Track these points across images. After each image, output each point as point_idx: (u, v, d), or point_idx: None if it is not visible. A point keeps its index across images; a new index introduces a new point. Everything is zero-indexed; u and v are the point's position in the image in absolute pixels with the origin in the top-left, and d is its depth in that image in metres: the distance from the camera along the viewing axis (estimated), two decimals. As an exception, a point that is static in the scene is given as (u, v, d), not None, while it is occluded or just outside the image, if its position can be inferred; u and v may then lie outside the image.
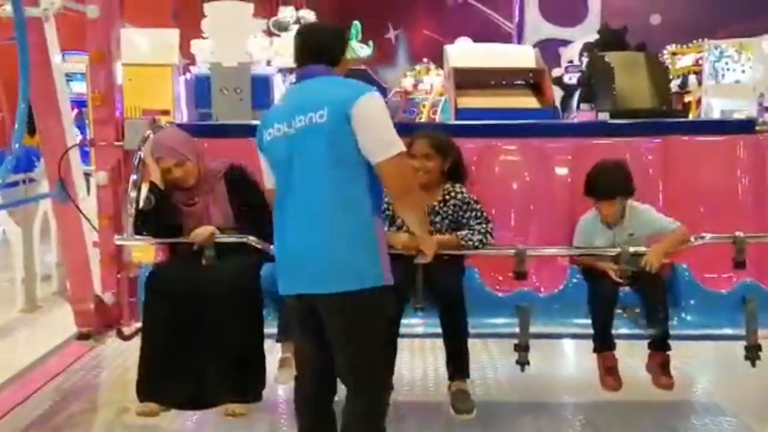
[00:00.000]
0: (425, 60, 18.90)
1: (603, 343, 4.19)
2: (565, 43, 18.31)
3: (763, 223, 4.53)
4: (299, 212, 3.25)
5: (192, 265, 4.15)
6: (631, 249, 4.11)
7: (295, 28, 13.02)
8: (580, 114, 12.59)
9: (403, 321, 3.99)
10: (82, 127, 9.38)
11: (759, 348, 4.09)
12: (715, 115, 12.83)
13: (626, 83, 11.11)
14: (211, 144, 4.62)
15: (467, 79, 9.39)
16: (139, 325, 4.40)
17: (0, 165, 4.55)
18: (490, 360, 5.39)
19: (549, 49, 16.12)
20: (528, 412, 4.71)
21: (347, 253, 3.19)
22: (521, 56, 10.16)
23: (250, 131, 3.87)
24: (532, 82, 9.57)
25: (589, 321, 4.19)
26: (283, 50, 11.85)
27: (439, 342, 4.14)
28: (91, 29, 4.47)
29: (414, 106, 17.19)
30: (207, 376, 4.07)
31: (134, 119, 4.78)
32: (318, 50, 3.39)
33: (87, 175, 5.13)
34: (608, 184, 4.24)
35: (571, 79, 15.06)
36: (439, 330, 4.07)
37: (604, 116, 10.71)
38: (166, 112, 8.86)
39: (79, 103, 9.01)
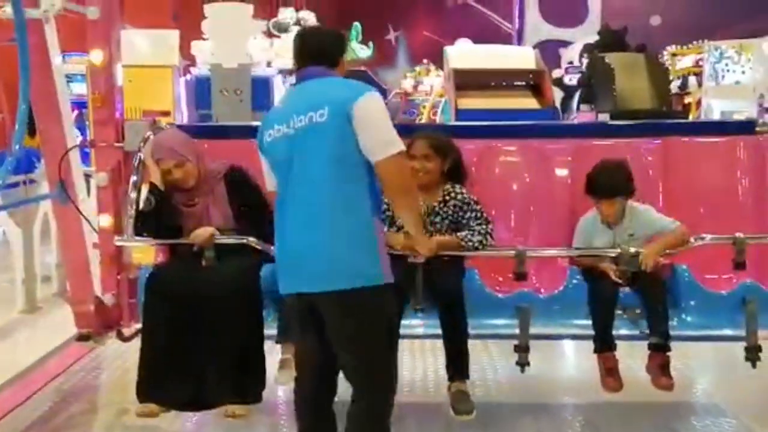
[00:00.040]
0: (425, 61, 18.92)
1: (603, 343, 4.19)
2: (565, 44, 18.35)
3: (763, 224, 4.53)
4: (299, 212, 3.26)
5: (192, 266, 4.15)
6: (632, 249, 4.10)
7: (295, 29, 13.06)
8: (580, 115, 12.60)
9: (403, 322, 3.98)
10: (82, 129, 9.38)
11: (759, 349, 4.09)
12: (715, 116, 12.85)
13: (626, 84, 11.13)
14: (211, 145, 4.62)
15: (467, 81, 9.41)
16: (139, 326, 4.40)
17: (0, 166, 4.55)
18: (490, 361, 5.39)
19: (549, 50, 16.16)
20: (528, 413, 4.71)
21: (347, 253, 3.19)
22: (521, 57, 10.19)
23: (250, 132, 3.88)
24: (532, 83, 9.60)
25: (590, 322, 4.19)
26: (283, 51, 11.88)
27: (439, 343, 4.14)
28: (92, 30, 4.47)
29: (414, 108, 17.21)
30: (207, 377, 4.07)
31: (134, 120, 4.77)
32: (317, 52, 3.41)
33: (87, 176, 5.13)
34: (609, 183, 4.24)
35: (572, 80, 15.09)
36: (439, 331, 4.07)
37: (604, 117, 10.74)
38: (166, 114, 8.88)
39: (79, 105, 9.01)
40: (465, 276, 4.17)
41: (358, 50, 18.02)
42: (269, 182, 3.52)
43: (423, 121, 14.81)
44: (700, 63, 14.30)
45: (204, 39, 11.07)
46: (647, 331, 4.15)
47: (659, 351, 4.13)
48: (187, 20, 12.57)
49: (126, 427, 4.53)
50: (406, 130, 3.78)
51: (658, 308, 4.10)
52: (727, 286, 4.32)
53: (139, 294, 4.33)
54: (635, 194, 4.31)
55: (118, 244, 4.44)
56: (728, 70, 13.40)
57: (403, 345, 3.77)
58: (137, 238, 4.32)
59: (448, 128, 5.70)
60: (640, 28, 16.58)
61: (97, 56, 4.48)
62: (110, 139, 4.56)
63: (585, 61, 14.53)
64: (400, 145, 3.24)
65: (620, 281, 4.13)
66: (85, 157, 5.61)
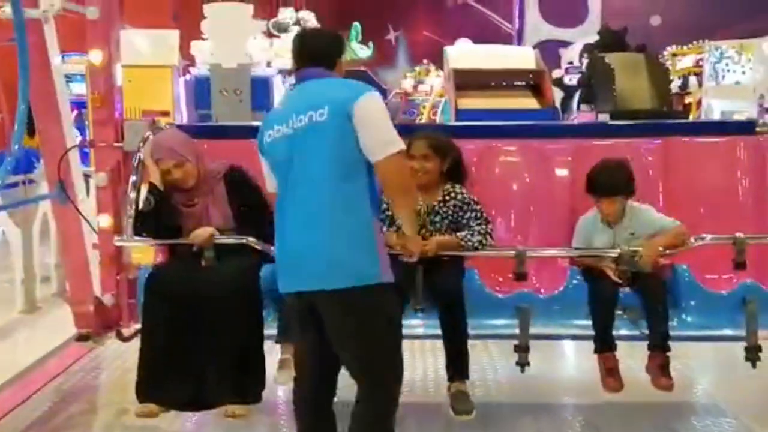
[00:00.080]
0: (425, 61, 18.91)
1: (604, 344, 4.18)
2: (565, 44, 18.35)
3: (763, 224, 4.53)
4: (299, 211, 3.26)
5: (191, 266, 4.15)
6: (631, 248, 4.10)
7: (294, 29, 13.08)
8: (581, 115, 12.60)
9: (404, 322, 3.96)
10: (81, 129, 9.39)
11: (759, 349, 4.08)
12: (716, 117, 12.84)
13: (626, 84, 11.13)
14: (210, 145, 4.61)
15: (467, 81, 9.41)
16: (138, 326, 4.39)
17: (-1, 166, 4.56)
18: (490, 361, 5.39)
19: (549, 50, 16.15)
20: (528, 414, 4.70)
21: (347, 252, 3.19)
22: (521, 57, 10.19)
23: (249, 132, 3.88)
24: (532, 83, 9.60)
25: (590, 322, 4.18)
26: (282, 51, 11.87)
27: (439, 343, 4.14)
28: (91, 30, 4.47)
29: (414, 108, 17.20)
30: (207, 377, 4.07)
31: (134, 120, 4.77)
32: (316, 53, 3.43)
33: (86, 176, 5.13)
34: (610, 182, 4.24)
35: (572, 80, 15.08)
36: (439, 331, 4.07)
37: (604, 117, 10.74)
38: (165, 114, 8.87)
39: (78, 105, 9.00)
40: (465, 276, 4.17)
41: (358, 50, 18.02)
42: (269, 183, 3.53)
43: (423, 121, 14.82)
44: (701, 63, 14.31)
45: (203, 39, 11.06)
46: (646, 332, 4.15)
47: (659, 351, 4.13)
48: (187, 20, 12.57)
49: (126, 427, 4.53)
50: (406, 130, 3.78)
51: (658, 308, 4.10)
52: (727, 286, 4.32)
53: (139, 294, 4.33)
54: (635, 194, 4.31)
55: (118, 244, 4.44)
56: (728, 70, 13.40)
57: (403, 345, 3.76)
58: (137, 238, 4.32)
59: (448, 128, 5.70)
60: (640, 28, 16.58)
61: (96, 56, 4.48)
62: (110, 139, 4.55)
63: (585, 61, 14.52)
64: (400, 145, 3.25)
65: (620, 281, 4.13)
66: (84, 157, 5.61)
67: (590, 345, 4.22)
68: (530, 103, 9.28)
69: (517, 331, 4.15)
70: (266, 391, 4.17)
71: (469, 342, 4.08)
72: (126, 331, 4.62)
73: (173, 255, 4.43)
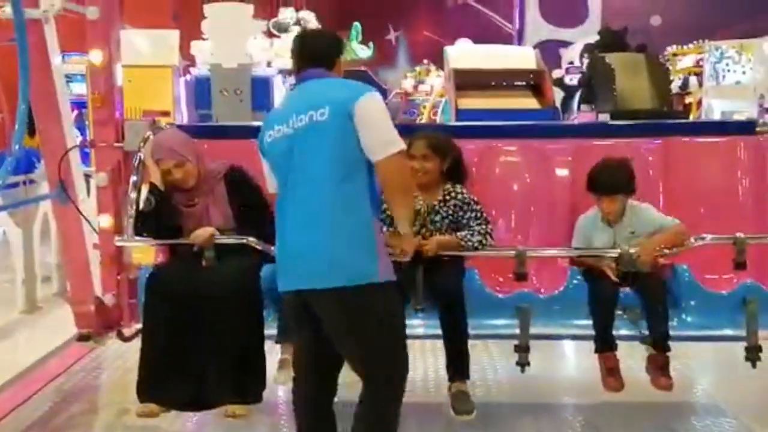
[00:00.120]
0: (425, 61, 18.91)
1: (604, 343, 4.18)
2: (566, 44, 18.32)
3: (763, 224, 4.53)
4: (300, 210, 3.27)
5: (192, 266, 4.15)
6: (631, 250, 4.10)
7: (295, 29, 13.09)
8: (581, 115, 12.58)
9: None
10: (82, 129, 9.39)
11: (759, 349, 4.09)
12: (716, 117, 12.84)
13: (627, 84, 11.11)
14: (210, 145, 4.62)
15: (467, 81, 9.40)
16: (139, 326, 4.40)
17: (0, 166, 4.55)
18: (490, 361, 5.39)
19: (549, 50, 16.14)
20: (528, 413, 4.71)
21: (346, 251, 3.20)
22: (521, 57, 10.18)
23: (250, 132, 3.89)
24: (533, 83, 9.59)
25: (590, 322, 4.18)
26: (283, 51, 11.86)
27: (440, 343, 4.14)
28: (91, 30, 4.47)
29: (414, 108, 17.20)
30: (207, 377, 4.07)
31: (134, 120, 4.77)
32: (315, 54, 3.45)
33: (87, 176, 5.13)
34: (610, 181, 4.24)
35: (572, 80, 15.06)
36: (440, 331, 4.07)
37: (604, 117, 10.72)
38: (166, 114, 8.87)
39: (79, 105, 9.01)
40: (465, 276, 4.17)
41: (359, 50, 18.03)
42: (270, 183, 3.54)
43: (423, 121, 14.82)
44: (701, 63, 14.30)
45: (204, 39, 11.06)
46: (646, 332, 4.15)
47: (659, 351, 4.13)
48: (187, 20, 12.57)
49: (126, 427, 4.53)
50: (406, 130, 3.78)
51: (658, 308, 4.10)
52: (727, 286, 4.32)
53: (140, 294, 4.33)
54: (636, 194, 4.31)
55: (118, 244, 4.44)
56: (729, 70, 13.39)
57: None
58: (137, 238, 4.32)
59: (448, 128, 5.70)
60: (641, 28, 16.57)
61: (96, 56, 4.48)
62: (110, 139, 4.56)
63: (585, 61, 14.51)
64: (400, 145, 3.27)
65: (617, 279, 4.13)
66: (84, 158, 5.61)
67: (590, 345, 4.22)
68: (530, 103, 9.27)
69: (517, 331, 4.15)
70: (266, 391, 4.17)
71: (470, 342, 4.08)
72: (127, 331, 4.62)
73: (174, 255, 4.43)
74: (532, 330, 4.15)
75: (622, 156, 4.40)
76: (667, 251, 4.19)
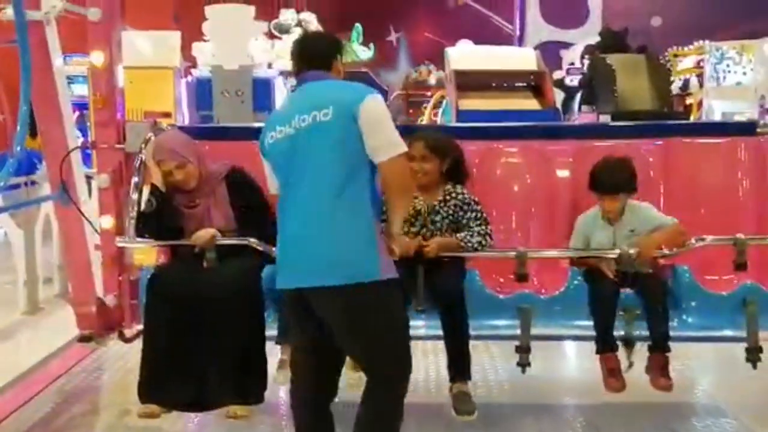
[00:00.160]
0: (426, 62, 18.91)
1: (605, 344, 4.18)
2: (566, 45, 18.31)
3: (764, 225, 4.54)
4: (301, 209, 3.28)
5: (193, 267, 4.16)
6: (631, 251, 4.10)
7: (296, 30, 13.11)
8: (582, 116, 12.58)
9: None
10: (83, 130, 9.37)
11: (760, 350, 4.09)
12: (717, 117, 12.84)
13: (627, 85, 11.10)
14: (212, 146, 4.62)
15: (468, 82, 9.42)
16: (140, 327, 4.40)
17: (2, 167, 4.56)
18: (491, 362, 5.39)
19: (550, 51, 16.13)
20: (529, 414, 4.71)
21: (348, 250, 3.22)
22: (522, 58, 10.21)
23: (251, 134, 3.89)
24: (533, 84, 9.61)
25: (591, 323, 4.19)
26: (284, 53, 11.87)
27: (441, 344, 4.15)
28: (93, 32, 4.48)
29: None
30: (208, 377, 4.08)
31: (135, 122, 4.77)
32: (314, 56, 3.48)
33: (88, 177, 5.14)
34: (613, 180, 4.24)
35: (573, 81, 15.06)
36: (441, 332, 4.07)
37: (605, 118, 10.72)
38: (167, 115, 8.90)
39: (80, 106, 9.02)
40: (466, 277, 4.18)
41: (359, 51, 18.05)
42: (271, 185, 3.54)
43: (424, 122, 14.83)
44: (702, 64, 14.31)
45: (205, 40, 11.08)
46: (638, 332, 4.15)
47: (659, 351, 4.13)
48: (188, 22, 12.60)
49: (128, 428, 4.53)
50: (407, 130, 3.79)
51: (658, 309, 4.11)
52: (727, 287, 4.32)
53: (141, 295, 4.34)
54: (636, 193, 4.32)
55: (120, 245, 4.44)
56: (729, 71, 13.40)
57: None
58: (138, 239, 4.32)
59: (449, 129, 5.70)
60: (641, 29, 16.55)
61: (98, 58, 4.49)
62: (111, 140, 4.56)
63: (586, 62, 14.51)
64: (403, 147, 3.30)
65: (615, 278, 4.13)
66: (86, 159, 5.62)
67: (591, 345, 4.22)
68: (531, 104, 9.29)
69: (518, 331, 4.16)
70: (268, 391, 4.17)
71: (471, 342, 4.09)
72: (128, 332, 4.62)
73: (175, 256, 4.44)
74: (533, 331, 4.15)
75: (624, 155, 4.40)
76: (667, 252, 4.20)
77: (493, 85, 9.70)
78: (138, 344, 4.34)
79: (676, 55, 15.63)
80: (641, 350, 4.24)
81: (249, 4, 10.79)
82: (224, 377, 4.06)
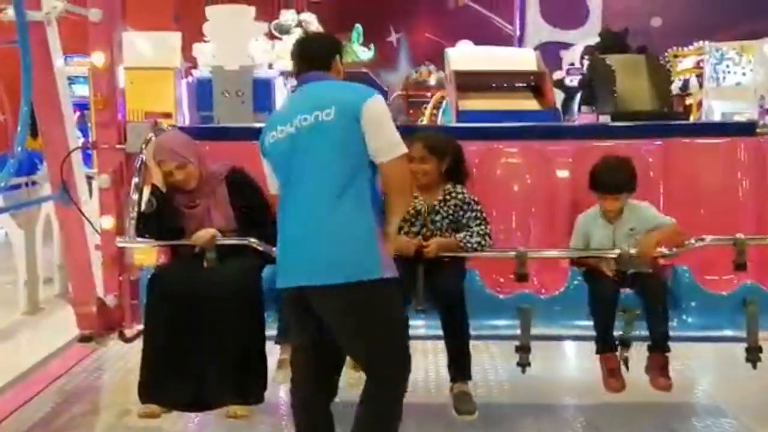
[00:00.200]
0: (426, 63, 18.92)
1: (605, 344, 4.19)
2: (566, 45, 18.34)
3: (763, 225, 4.54)
4: (301, 210, 3.29)
5: (193, 267, 4.16)
6: (632, 250, 4.11)
7: (296, 31, 13.11)
8: (582, 116, 12.60)
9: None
10: (84, 130, 9.38)
11: (760, 350, 4.09)
12: (716, 118, 12.84)
13: (627, 86, 11.12)
14: (212, 147, 4.63)
15: (468, 82, 9.43)
16: (140, 327, 4.40)
17: (2, 168, 4.57)
18: (491, 362, 5.40)
19: (550, 51, 16.15)
20: (529, 414, 4.71)
21: (348, 249, 3.23)
22: (522, 59, 10.22)
23: (251, 134, 3.90)
24: (533, 84, 9.62)
25: (591, 323, 4.19)
26: (284, 53, 11.88)
27: (441, 344, 4.15)
28: (93, 33, 4.48)
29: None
30: (208, 377, 4.08)
31: (136, 122, 4.78)
32: (313, 56, 3.50)
33: (89, 177, 5.14)
34: (613, 180, 4.25)
35: (573, 81, 15.07)
36: (441, 332, 4.08)
37: (605, 119, 10.74)
38: (167, 115, 8.90)
39: (81, 106, 9.02)
40: (466, 277, 4.18)
41: (360, 52, 18.07)
42: (271, 185, 3.55)
43: (424, 122, 14.84)
44: (701, 64, 14.31)
45: (205, 41, 11.09)
46: (638, 332, 4.16)
47: (658, 351, 4.14)
48: (189, 22, 12.61)
49: (128, 428, 4.53)
50: (407, 131, 3.80)
51: (658, 309, 4.11)
52: (727, 287, 4.32)
53: (141, 295, 4.34)
54: (636, 192, 4.32)
55: (120, 245, 4.45)
56: (729, 72, 13.40)
57: (405, 346, 3.81)
58: (139, 239, 4.33)
59: (449, 129, 5.71)
60: (641, 30, 16.57)
61: (99, 58, 4.49)
62: (112, 140, 4.56)
63: (586, 62, 14.52)
64: (404, 148, 3.33)
65: (614, 277, 4.14)
66: (87, 159, 5.62)
67: (591, 345, 4.23)
68: (531, 104, 9.30)
69: (518, 331, 4.16)
70: (268, 391, 4.18)
71: (471, 342, 4.09)
72: (128, 332, 4.63)
73: (175, 256, 4.44)
74: (533, 331, 4.15)
75: (624, 155, 4.40)
76: (667, 251, 4.21)
77: (493, 85, 9.71)
78: (138, 344, 4.34)
79: (675, 56, 15.63)
80: (641, 350, 4.24)
81: (249, 4, 10.79)
82: (224, 377, 4.06)
